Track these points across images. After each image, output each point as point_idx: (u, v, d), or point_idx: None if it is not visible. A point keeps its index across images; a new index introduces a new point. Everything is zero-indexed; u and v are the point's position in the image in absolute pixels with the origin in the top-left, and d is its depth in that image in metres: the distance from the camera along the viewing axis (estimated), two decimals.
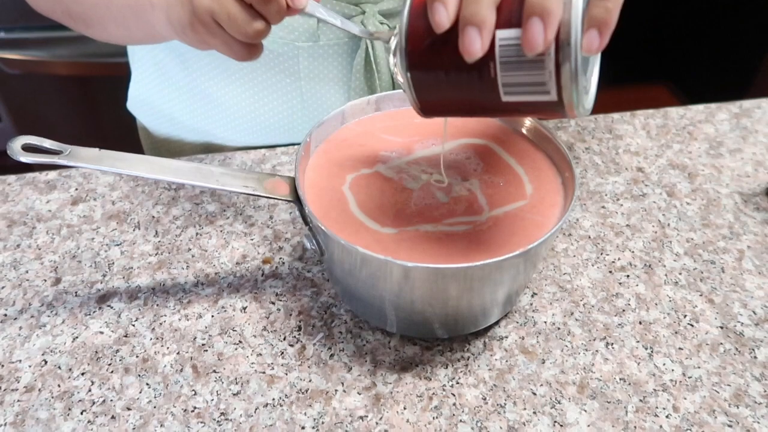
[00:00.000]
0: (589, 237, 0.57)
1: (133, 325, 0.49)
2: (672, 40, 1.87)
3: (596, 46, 0.33)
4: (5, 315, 0.50)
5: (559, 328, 0.50)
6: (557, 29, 0.32)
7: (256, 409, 0.44)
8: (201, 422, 0.43)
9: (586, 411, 0.44)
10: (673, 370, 0.47)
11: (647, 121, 0.72)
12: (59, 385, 0.46)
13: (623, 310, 0.51)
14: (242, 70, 0.65)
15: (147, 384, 0.46)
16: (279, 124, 0.68)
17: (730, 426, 0.44)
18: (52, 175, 0.63)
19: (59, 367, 0.47)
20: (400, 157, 0.51)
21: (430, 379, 0.46)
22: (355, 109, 0.53)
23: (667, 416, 0.44)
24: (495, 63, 0.34)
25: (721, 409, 0.45)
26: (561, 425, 0.44)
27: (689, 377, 0.47)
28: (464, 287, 0.43)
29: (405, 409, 0.44)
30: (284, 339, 0.48)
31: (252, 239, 0.56)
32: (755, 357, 0.48)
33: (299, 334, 0.49)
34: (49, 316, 0.50)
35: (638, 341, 0.49)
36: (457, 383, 0.46)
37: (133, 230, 0.57)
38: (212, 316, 0.50)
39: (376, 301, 0.45)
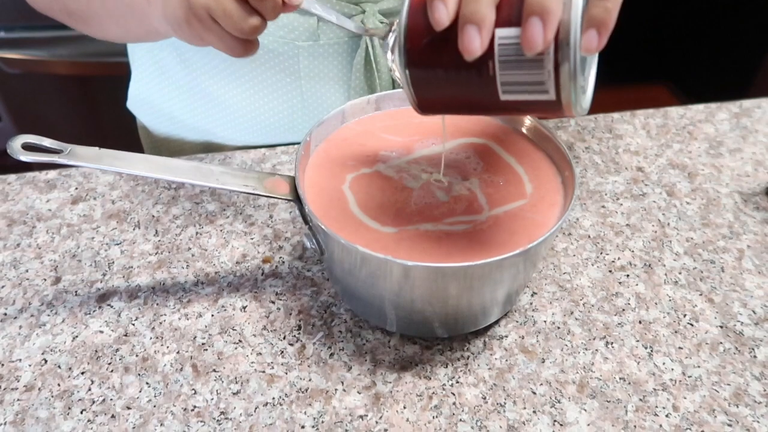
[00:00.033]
0: (589, 236, 0.57)
1: (133, 325, 0.49)
2: (672, 40, 1.87)
3: (595, 46, 0.33)
4: (5, 314, 0.50)
5: (559, 328, 0.50)
6: (557, 29, 0.32)
7: (255, 409, 0.44)
8: (201, 421, 0.43)
9: (585, 410, 0.44)
10: (672, 369, 0.47)
11: (647, 121, 0.72)
12: (59, 384, 0.46)
13: (623, 310, 0.51)
14: (242, 69, 0.65)
15: (147, 383, 0.46)
16: (279, 123, 0.68)
17: (729, 425, 0.44)
18: (52, 174, 0.63)
19: (59, 366, 0.47)
20: (400, 157, 0.51)
21: (430, 379, 0.46)
22: (355, 108, 0.53)
23: (666, 415, 0.44)
24: (494, 61, 0.34)
25: (720, 408, 0.45)
26: (561, 424, 0.44)
27: (689, 376, 0.47)
28: (464, 286, 0.43)
29: (405, 408, 0.44)
30: (284, 338, 0.49)
31: (252, 238, 0.56)
32: (755, 356, 0.48)
33: (299, 334, 0.49)
34: (49, 315, 0.50)
35: (638, 340, 0.49)
36: (457, 382, 0.46)
37: (133, 229, 0.57)
38: (212, 315, 0.50)
39: (376, 301, 0.45)
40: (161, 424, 0.43)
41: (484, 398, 0.45)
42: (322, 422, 0.43)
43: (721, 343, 0.49)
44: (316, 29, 0.61)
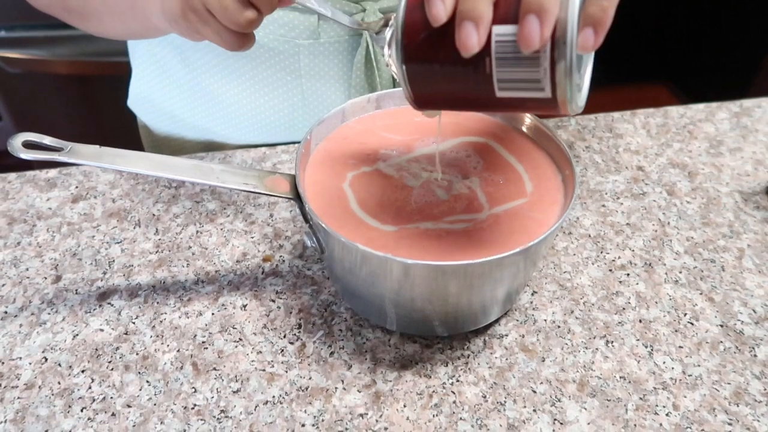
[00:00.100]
0: (590, 235, 0.57)
1: (134, 323, 0.49)
2: (672, 40, 1.87)
3: (591, 44, 0.33)
4: (6, 312, 0.50)
5: (559, 327, 0.50)
6: (553, 27, 0.32)
7: (256, 407, 0.44)
8: (201, 420, 0.43)
9: (586, 409, 0.44)
10: (673, 368, 0.47)
11: (647, 120, 0.72)
12: (59, 383, 0.46)
13: (623, 309, 0.51)
14: (243, 67, 0.65)
15: (147, 381, 0.46)
16: (280, 121, 0.69)
17: (729, 424, 0.44)
18: (52, 173, 0.63)
19: (59, 365, 0.47)
20: (401, 155, 0.51)
21: (430, 377, 0.46)
22: (356, 107, 0.53)
23: (667, 414, 0.44)
24: (491, 58, 0.34)
25: (721, 407, 0.45)
26: (561, 423, 0.44)
27: (689, 375, 0.47)
28: (464, 285, 0.43)
29: (405, 406, 0.44)
30: (284, 337, 0.49)
31: (252, 237, 0.56)
32: (755, 355, 0.48)
33: (299, 332, 0.49)
34: (49, 313, 0.50)
35: (638, 339, 0.49)
36: (457, 381, 0.46)
37: (134, 228, 0.57)
38: (212, 313, 0.50)
39: (376, 299, 0.45)
40: (161, 423, 0.43)
41: (485, 397, 0.45)
42: (323, 421, 0.43)
43: (721, 342, 0.49)
44: (317, 27, 0.61)
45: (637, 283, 0.53)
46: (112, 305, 0.51)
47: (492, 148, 0.51)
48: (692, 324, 0.50)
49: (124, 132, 0.89)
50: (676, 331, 0.50)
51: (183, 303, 0.51)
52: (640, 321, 0.50)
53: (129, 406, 0.44)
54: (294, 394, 0.45)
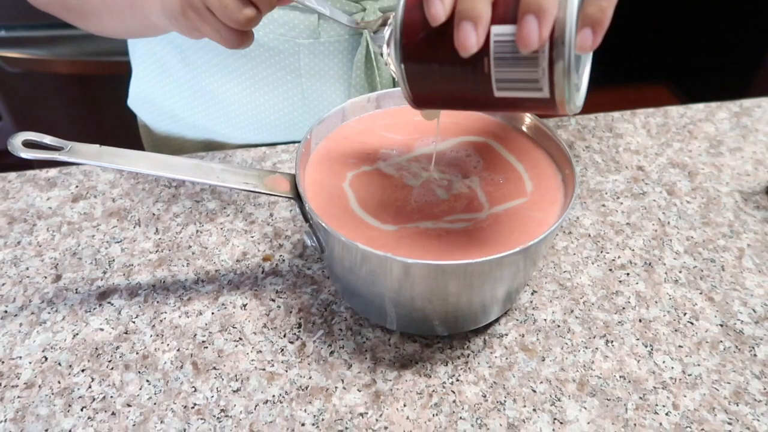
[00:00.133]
0: (590, 235, 0.57)
1: (134, 322, 0.50)
2: (672, 40, 1.87)
3: (590, 44, 0.33)
4: (5, 312, 0.50)
5: (559, 326, 0.50)
6: (552, 27, 0.32)
7: (256, 406, 0.44)
8: (201, 419, 0.43)
9: (585, 408, 0.44)
10: (672, 367, 0.47)
11: (647, 120, 0.72)
12: (59, 382, 0.46)
13: (623, 308, 0.51)
14: (243, 66, 0.66)
15: (147, 381, 0.46)
16: (280, 121, 0.69)
17: (729, 423, 0.44)
18: (52, 172, 0.63)
19: (59, 364, 0.47)
20: (401, 155, 0.51)
21: (430, 377, 0.46)
22: (356, 106, 0.53)
23: (666, 414, 0.44)
24: (489, 58, 0.34)
25: (720, 406, 0.45)
26: (561, 422, 0.44)
27: (689, 375, 0.47)
28: (464, 284, 0.43)
29: (405, 406, 0.44)
30: (284, 336, 0.49)
31: (252, 236, 0.56)
32: (755, 355, 0.48)
33: (299, 332, 0.49)
34: (49, 312, 0.50)
35: (638, 339, 0.49)
36: (457, 380, 0.46)
37: (134, 227, 0.57)
38: (212, 313, 0.50)
39: (376, 298, 0.45)
40: (161, 422, 0.43)
41: (484, 396, 0.45)
42: (322, 420, 0.43)
43: (721, 341, 0.49)
44: (317, 27, 0.61)
45: (637, 283, 0.53)
46: (112, 304, 0.51)
47: (492, 147, 0.52)
48: (692, 323, 0.50)
49: (125, 131, 0.89)
50: (675, 330, 0.50)
51: (183, 302, 0.51)
52: (640, 320, 0.50)
53: (129, 406, 0.44)
54: (294, 394, 0.45)
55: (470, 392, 0.45)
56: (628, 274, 0.54)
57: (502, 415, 0.44)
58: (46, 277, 0.53)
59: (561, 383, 0.46)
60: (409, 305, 0.44)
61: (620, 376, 0.46)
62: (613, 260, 0.55)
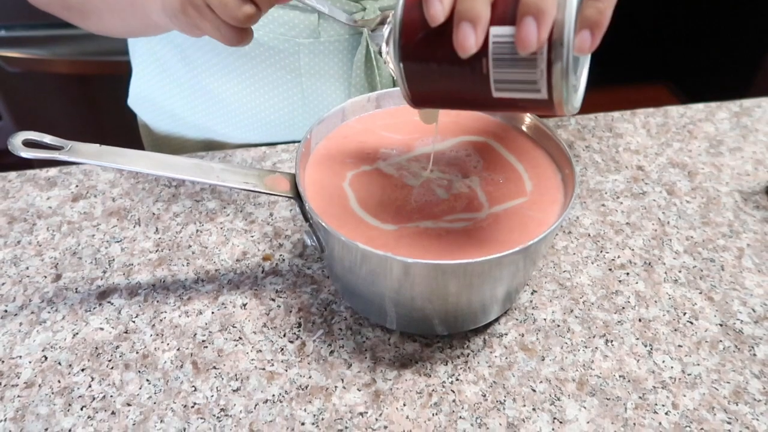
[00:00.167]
0: (589, 235, 0.57)
1: (134, 322, 0.50)
2: (672, 40, 1.87)
3: (588, 46, 0.33)
4: (5, 311, 0.50)
5: (558, 326, 0.50)
6: (550, 29, 0.32)
7: (255, 405, 0.44)
8: (201, 418, 0.43)
9: (585, 408, 0.44)
10: (672, 367, 0.47)
11: (647, 120, 0.72)
12: (59, 381, 0.46)
13: (623, 308, 0.51)
14: (243, 66, 0.66)
15: (147, 380, 0.46)
16: (280, 120, 0.69)
17: (729, 423, 0.44)
18: (52, 171, 0.63)
19: (59, 363, 0.47)
20: (401, 155, 0.51)
21: (430, 376, 0.46)
22: (356, 106, 0.53)
23: (666, 413, 0.44)
24: (488, 59, 0.34)
25: (720, 406, 0.45)
26: (560, 422, 0.44)
27: (689, 374, 0.47)
28: (464, 284, 0.43)
29: (405, 405, 0.44)
30: (284, 335, 0.49)
31: (252, 236, 0.56)
32: (754, 354, 0.48)
33: (299, 331, 0.49)
34: (49, 312, 0.50)
35: (638, 338, 0.49)
36: (457, 380, 0.46)
37: (134, 227, 0.57)
38: (212, 312, 0.50)
39: (376, 298, 0.45)
40: (161, 421, 0.43)
41: (484, 396, 0.45)
42: (322, 419, 0.44)
43: (720, 341, 0.49)
44: (317, 26, 0.61)
45: (637, 283, 0.53)
46: (112, 304, 0.51)
47: (492, 147, 0.52)
48: (692, 323, 0.50)
49: (125, 131, 0.89)
50: (675, 330, 0.50)
51: (183, 302, 0.51)
52: (640, 320, 0.50)
53: (129, 405, 0.44)
54: (294, 393, 0.45)
55: (470, 392, 0.45)
56: (627, 273, 0.54)
57: (501, 415, 0.44)
58: (46, 277, 0.53)
59: (561, 383, 0.46)
60: (409, 305, 0.44)
61: (620, 376, 0.46)
62: (613, 260, 0.55)
